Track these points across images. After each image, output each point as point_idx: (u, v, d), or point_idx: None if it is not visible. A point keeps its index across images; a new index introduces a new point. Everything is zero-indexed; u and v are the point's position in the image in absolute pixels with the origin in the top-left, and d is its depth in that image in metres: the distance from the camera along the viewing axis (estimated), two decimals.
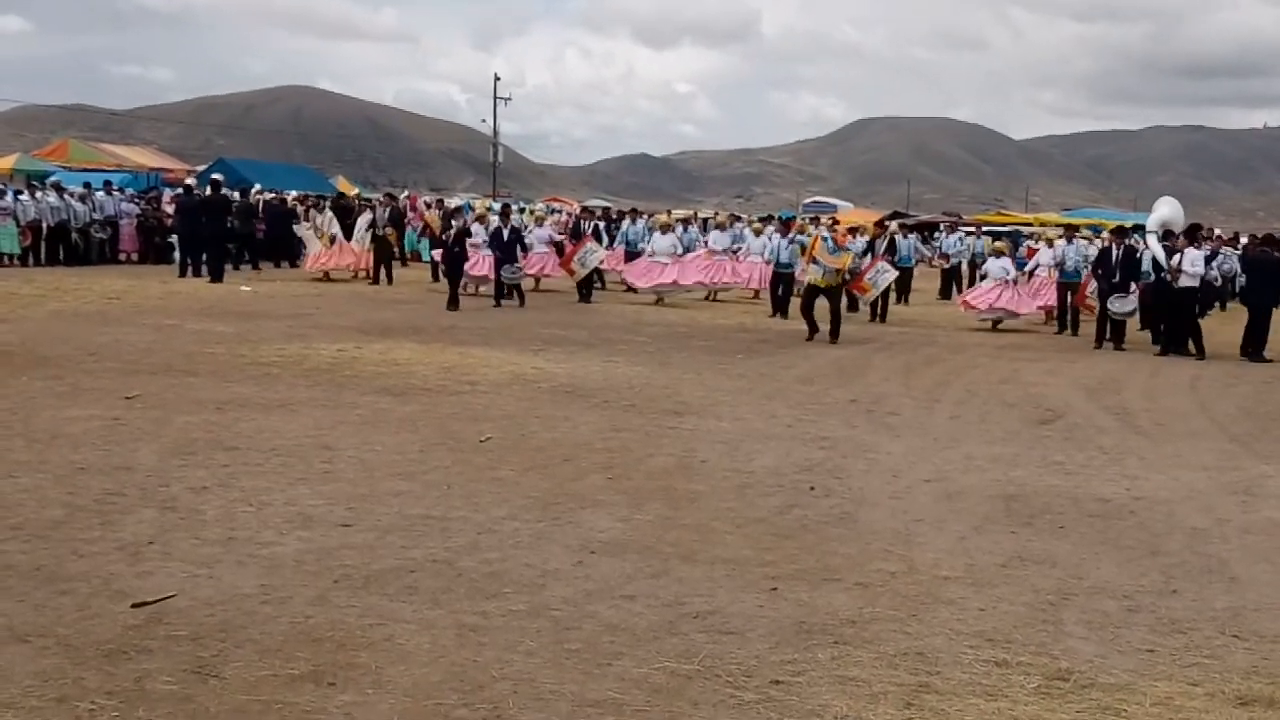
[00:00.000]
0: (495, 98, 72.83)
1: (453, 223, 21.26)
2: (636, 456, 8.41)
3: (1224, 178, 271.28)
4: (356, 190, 47.22)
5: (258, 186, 32.08)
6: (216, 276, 22.26)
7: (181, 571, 5.43)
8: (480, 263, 21.03)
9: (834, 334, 16.63)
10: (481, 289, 21.64)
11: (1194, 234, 18.70)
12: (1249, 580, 6.00)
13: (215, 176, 27.19)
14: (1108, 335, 17.77)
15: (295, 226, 26.49)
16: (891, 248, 22.84)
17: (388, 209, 26.28)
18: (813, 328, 16.75)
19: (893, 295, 22.50)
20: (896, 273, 21.89)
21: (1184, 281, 16.74)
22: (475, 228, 21.29)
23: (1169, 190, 23.33)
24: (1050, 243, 22.29)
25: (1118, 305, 17.51)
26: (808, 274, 17.10)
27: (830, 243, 17.04)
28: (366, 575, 5.49)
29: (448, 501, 6.89)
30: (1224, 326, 19.60)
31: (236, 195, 27.10)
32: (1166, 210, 18.58)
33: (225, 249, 23.96)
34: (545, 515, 6.68)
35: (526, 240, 22.30)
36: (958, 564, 6.05)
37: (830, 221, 24.44)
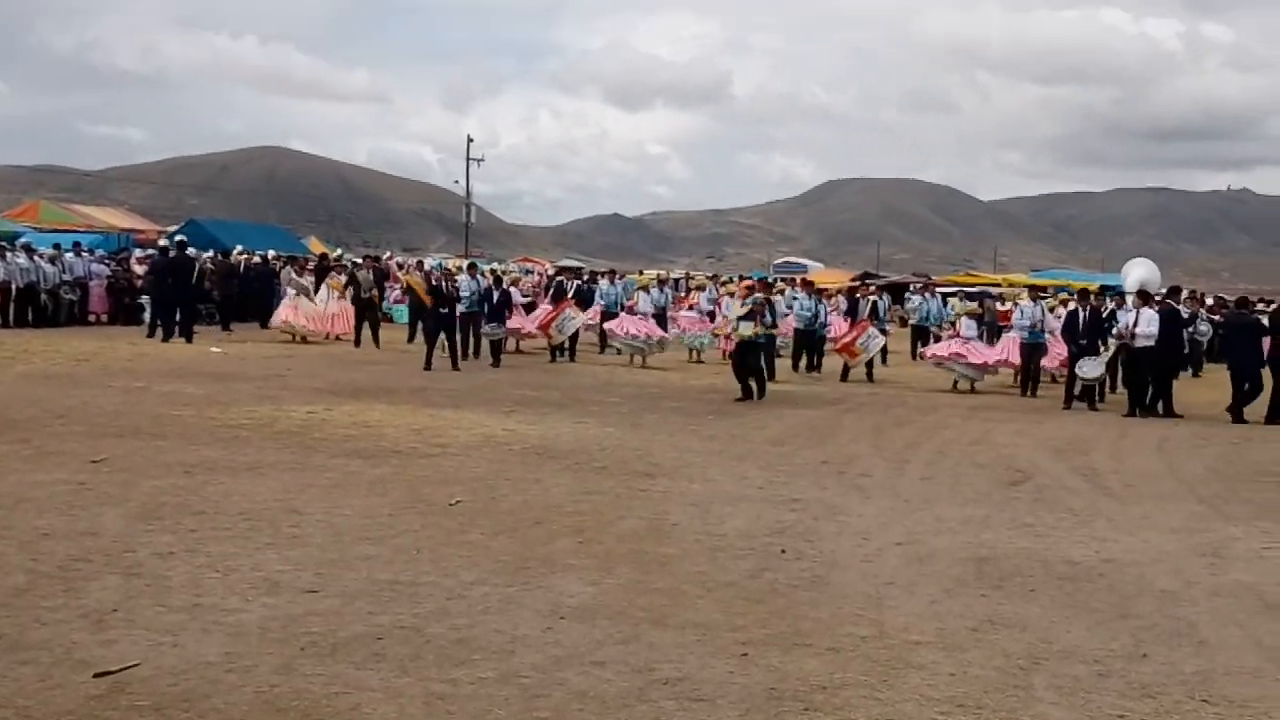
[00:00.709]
0: (468, 158, 73.25)
1: (434, 281, 21.30)
2: (607, 519, 8.38)
3: (1188, 239, 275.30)
4: (339, 252, 47.22)
5: (240, 248, 32.09)
6: (185, 336, 22.18)
7: (145, 639, 5.36)
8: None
9: (760, 391, 16.93)
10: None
11: (1174, 296, 18.88)
12: (1218, 644, 6.01)
13: (180, 238, 27.18)
14: (1078, 396, 17.88)
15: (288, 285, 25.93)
16: (875, 312, 22.88)
17: (371, 271, 26.25)
18: (745, 390, 16.95)
19: (876, 357, 22.54)
20: (885, 338, 21.99)
21: (1140, 342, 16.91)
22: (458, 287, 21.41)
23: (1135, 251, 23.75)
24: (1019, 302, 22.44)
25: (1086, 369, 17.64)
26: (737, 332, 17.24)
27: (739, 301, 17.92)
28: (333, 643, 5.43)
29: (416, 566, 6.84)
30: (1194, 389, 19.76)
31: (205, 255, 27.05)
32: (1143, 271, 18.77)
33: (195, 309, 23.89)
34: (515, 580, 6.64)
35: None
36: (928, 628, 6.04)
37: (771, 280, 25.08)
